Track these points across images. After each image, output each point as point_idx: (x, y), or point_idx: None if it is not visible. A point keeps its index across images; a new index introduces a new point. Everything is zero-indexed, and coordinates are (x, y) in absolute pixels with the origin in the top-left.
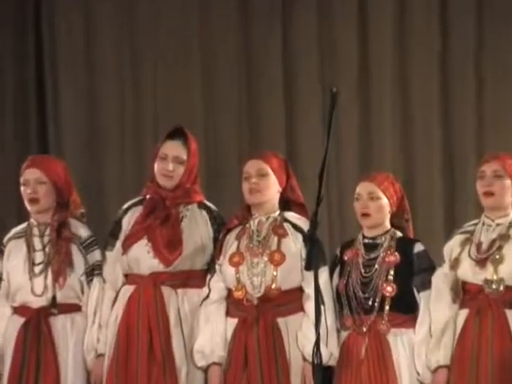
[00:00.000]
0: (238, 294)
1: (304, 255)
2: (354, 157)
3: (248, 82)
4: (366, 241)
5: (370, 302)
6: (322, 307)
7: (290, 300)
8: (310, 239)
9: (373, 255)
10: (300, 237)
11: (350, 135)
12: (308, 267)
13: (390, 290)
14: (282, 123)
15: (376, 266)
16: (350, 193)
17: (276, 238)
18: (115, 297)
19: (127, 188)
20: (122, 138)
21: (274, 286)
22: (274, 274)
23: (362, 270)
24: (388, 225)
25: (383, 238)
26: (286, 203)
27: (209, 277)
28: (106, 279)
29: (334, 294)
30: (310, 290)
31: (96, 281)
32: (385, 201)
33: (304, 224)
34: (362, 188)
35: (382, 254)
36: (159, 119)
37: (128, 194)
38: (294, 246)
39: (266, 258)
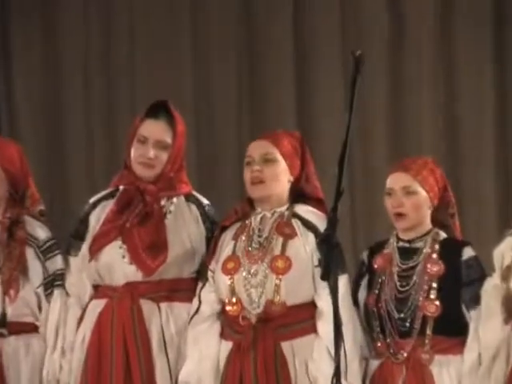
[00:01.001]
0: (231, 310)
1: (316, 260)
2: (384, 139)
3: (249, 47)
4: (402, 244)
5: (408, 324)
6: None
7: (298, 318)
8: (328, 241)
9: (410, 263)
10: (311, 237)
11: (379, 112)
12: (325, 276)
13: (432, 308)
14: (292, 97)
15: (415, 278)
16: (378, 183)
17: (281, 239)
18: (82, 314)
19: (97, 178)
20: (88, 117)
21: (276, 300)
22: (277, 284)
23: (397, 283)
24: (429, 224)
25: (423, 242)
26: (299, 197)
27: (200, 286)
28: (69, 292)
29: (362, 310)
30: (324, 305)
31: (57, 294)
32: (423, 195)
33: (318, 220)
34: (395, 180)
35: (422, 263)
36: (136, 97)
37: (98, 184)
38: (304, 249)
39: (266, 265)
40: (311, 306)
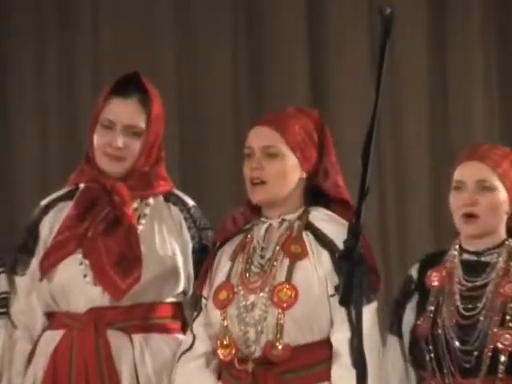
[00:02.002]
0: (223, 354)
1: (333, 288)
2: (425, 122)
3: (247, 2)
4: (467, 257)
5: (474, 359)
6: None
7: (309, 361)
8: (349, 257)
9: (479, 282)
10: (326, 256)
11: (418, 85)
12: (344, 302)
13: (508, 339)
14: (304, 66)
15: (484, 300)
16: (415, 179)
17: (287, 262)
18: (32, 350)
19: (51, 174)
20: (41, 96)
21: (279, 342)
22: (280, 322)
23: (461, 305)
24: (503, 233)
25: (496, 255)
26: (319, 197)
27: (193, 316)
28: (15, 322)
29: (407, 340)
30: (341, 343)
31: (0, 324)
32: (503, 194)
33: (338, 232)
34: (468, 172)
35: (494, 281)
36: (99, 70)
37: (52, 183)
38: (315, 273)
39: (267, 296)
40: (327, 344)
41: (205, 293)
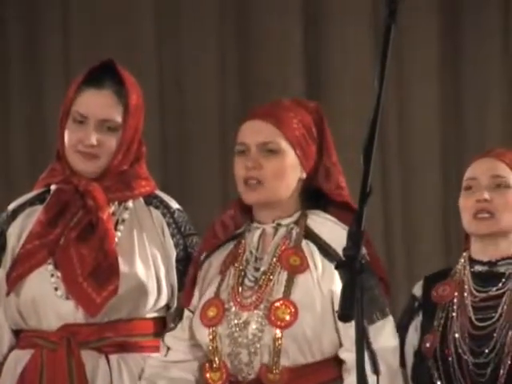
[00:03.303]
0: (213, 378)
1: (336, 299)
2: (434, 116)
3: None
4: (479, 269)
5: (489, 371)
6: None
7: (314, 382)
8: (349, 265)
9: (493, 291)
10: (330, 268)
11: (428, 77)
12: (344, 317)
13: None
14: (299, 49)
15: (500, 310)
16: (424, 177)
17: (285, 275)
18: None
19: (17, 174)
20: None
21: (276, 366)
22: (278, 342)
23: (473, 316)
24: None
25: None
26: (316, 198)
27: (169, 327)
28: None
29: (411, 357)
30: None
31: None
32: None
33: (341, 239)
34: (481, 167)
35: (510, 291)
36: (71, 56)
37: (19, 184)
38: (318, 288)
39: (262, 314)
40: (332, 363)
41: (191, 306)
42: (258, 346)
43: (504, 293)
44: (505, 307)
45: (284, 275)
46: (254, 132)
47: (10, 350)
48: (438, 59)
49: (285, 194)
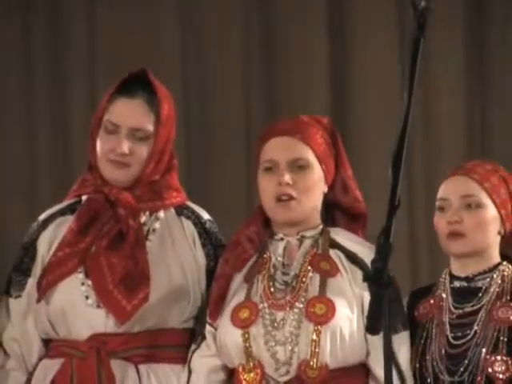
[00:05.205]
0: (248, 378)
1: (366, 304)
2: (459, 128)
3: None
4: (458, 284)
5: None
6: None
7: None
8: (377, 279)
9: (468, 308)
10: (360, 275)
11: (453, 87)
12: (372, 329)
13: (500, 366)
14: (324, 57)
15: (475, 327)
16: None
17: (317, 277)
18: (27, 381)
19: (41, 183)
20: (28, 95)
21: (314, 361)
22: (316, 338)
23: (450, 335)
24: (496, 256)
25: (488, 279)
26: (329, 211)
27: (192, 348)
28: (8, 350)
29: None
30: (381, 370)
31: None
32: (491, 211)
33: (365, 252)
34: (451, 188)
35: (486, 306)
36: (96, 66)
37: (42, 194)
38: (351, 290)
39: (299, 311)
40: (363, 371)
41: (213, 320)
42: (296, 342)
43: (480, 308)
44: (481, 322)
45: (317, 277)
46: (284, 148)
47: (40, 359)
48: (464, 70)
49: (312, 208)
